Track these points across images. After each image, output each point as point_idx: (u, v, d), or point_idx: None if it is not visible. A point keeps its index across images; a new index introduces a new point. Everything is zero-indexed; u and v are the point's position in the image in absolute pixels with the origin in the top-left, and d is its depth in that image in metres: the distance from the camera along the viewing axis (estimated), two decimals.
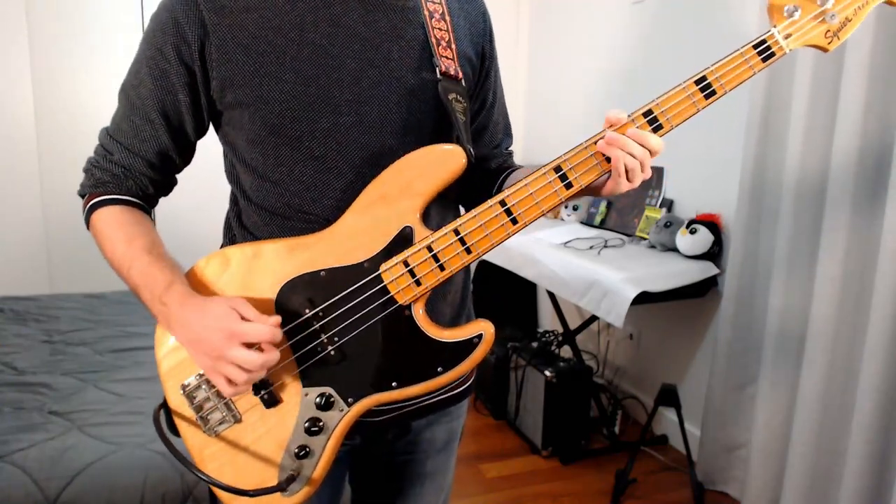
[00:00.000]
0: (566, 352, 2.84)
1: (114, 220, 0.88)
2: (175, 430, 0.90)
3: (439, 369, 0.84)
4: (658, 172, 2.72)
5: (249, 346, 0.78)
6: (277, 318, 0.81)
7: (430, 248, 0.82)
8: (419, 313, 0.84)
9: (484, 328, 0.84)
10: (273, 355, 0.79)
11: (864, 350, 1.75)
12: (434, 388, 0.86)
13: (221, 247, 0.99)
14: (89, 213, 0.90)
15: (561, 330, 2.88)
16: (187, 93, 0.87)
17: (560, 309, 2.88)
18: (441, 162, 0.84)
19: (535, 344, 2.84)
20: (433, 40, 0.91)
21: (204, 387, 0.87)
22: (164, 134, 0.89)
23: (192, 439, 0.89)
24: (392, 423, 0.96)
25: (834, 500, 1.91)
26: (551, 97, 3.57)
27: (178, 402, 0.89)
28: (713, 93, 0.81)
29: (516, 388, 2.76)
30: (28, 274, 3.14)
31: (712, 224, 2.33)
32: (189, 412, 0.88)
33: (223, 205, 1.00)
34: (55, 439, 1.58)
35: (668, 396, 2.22)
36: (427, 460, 1.04)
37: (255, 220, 0.92)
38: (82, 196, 0.92)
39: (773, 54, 0.81)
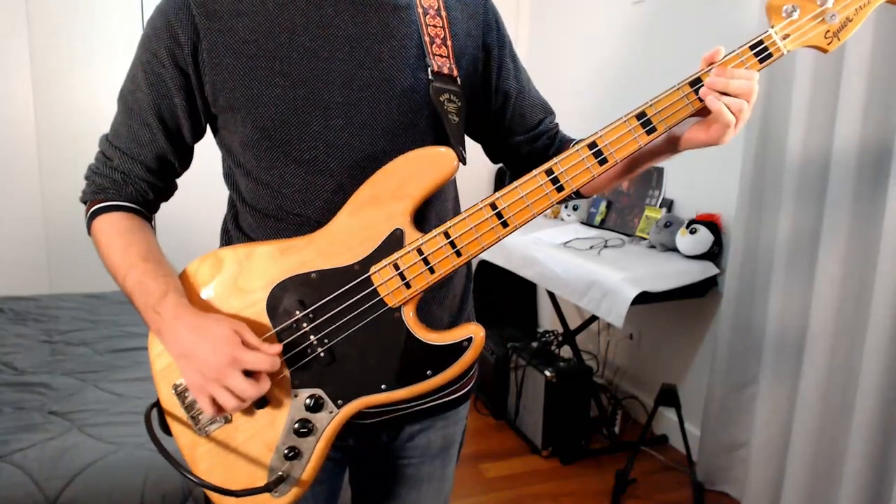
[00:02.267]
0: (566, 352, 2.84)
1: (113, 227, 0.89)
2: (167, 430, 0.90)
3: (428, 372, 0.83)
4: (658, 172, 2.72)
5: (247, 373, 0.78)
6: (278, 347, 0.81)
7: (420, 251, 0.82)
8: (409, 316, 0.83)
9: (474, 331, 0.82)
10: (267, 385, 0.80)
11: (864, 350, 1.75)
12: (423, 391, 0.84)
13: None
14: (90, 219, 0.90)
15: (561, 330, 2.88)
16: (183, 96, 0.87)
17: (560, 309, 2.88)
18: (432, 164, 0.83)
19: (535, 344, 2.84)
20: (426, 39, 0.89)
21: None
22: (161, 138, 0.89)
23: (183, 438, 0.88)
24: (384, 425, 0.96)
25: (834, 500, 1.91)
26: (551, 97, 3.56)
27: (170, 401, 0.88)
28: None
29: (516, 388, 2.76)
30: (28, 274, 3.14)
31: (712, 224, 2.33)
32: (180, 411, 0.88)
33: (222, 209, 0.99)
34: (55, 439, 1.58)
35: (668, 396, 2.22)
36: (422, 465, 1.03)
37: (249, 221, 0.93)
38: (84, 203, 0.92)
39: (770, 55, 0.79)
